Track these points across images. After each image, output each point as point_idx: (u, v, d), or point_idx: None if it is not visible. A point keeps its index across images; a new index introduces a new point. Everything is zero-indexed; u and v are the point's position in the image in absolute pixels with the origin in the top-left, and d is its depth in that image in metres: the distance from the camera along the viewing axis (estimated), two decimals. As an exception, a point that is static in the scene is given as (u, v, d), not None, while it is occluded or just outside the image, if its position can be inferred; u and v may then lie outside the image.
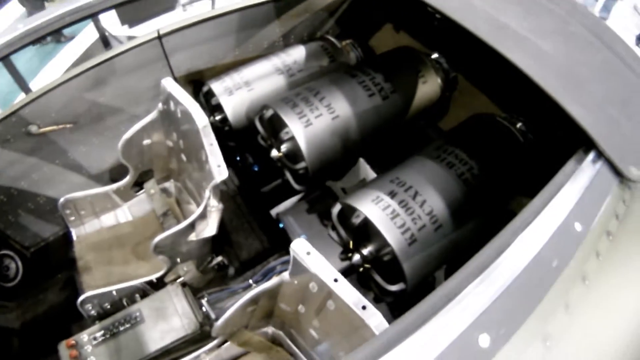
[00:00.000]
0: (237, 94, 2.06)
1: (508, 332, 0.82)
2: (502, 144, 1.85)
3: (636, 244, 1.17)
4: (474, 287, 0.85)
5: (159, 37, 2.10)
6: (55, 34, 5.42)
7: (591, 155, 1.18)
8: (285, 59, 2.21)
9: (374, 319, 1.14)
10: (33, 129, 1.92)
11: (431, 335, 0.77)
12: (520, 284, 0.88)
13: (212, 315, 1.92)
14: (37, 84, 2.10)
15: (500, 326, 0.81)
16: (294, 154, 1.82)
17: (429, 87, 2.09)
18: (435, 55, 2.21)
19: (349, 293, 1.21)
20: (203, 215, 1.74)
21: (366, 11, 2.63)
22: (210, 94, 2.10)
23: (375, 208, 1.54)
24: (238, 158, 2.46)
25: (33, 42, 1.75)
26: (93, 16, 1.95)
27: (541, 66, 1.29)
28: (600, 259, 1.03)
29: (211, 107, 2.13)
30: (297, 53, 2.26)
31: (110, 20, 5.07)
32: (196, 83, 2.33)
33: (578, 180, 1.12)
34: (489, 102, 2.21)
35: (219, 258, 2.16)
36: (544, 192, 1.07)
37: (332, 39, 2.38)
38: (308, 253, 1.28)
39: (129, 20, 4.71)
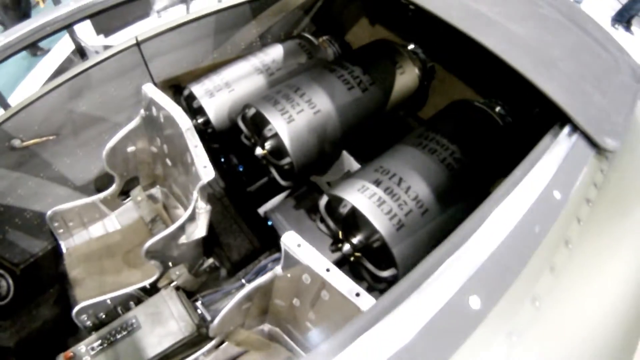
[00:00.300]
0: (218, 96, 2.09)
1: (497, 293, 0.87)
2: (481, 128, 1.92)
3: (615, 210, 1.25)
4: (460, 254, 0.90)
5: (138, 44, 2.13)
6: (31, 48, 5.39)
7: (567, 129, 1.25)
8: (263, 59, 2.25)
9: (369, 305, 1.19)
10: (16, 143, 1.93)
11: (422, 302, 0.82)
12: (505, 249, 0.93)
13: (208, 317, 1.96)
14: (15, 99, 2.10)
15: (489, 288, 0.86)
16: (279, 150, 1.86)
17: (407, 77, 2.15)
18: (411, 46, 2.27)
19: (341, 281, 1.26)
20: (192, 218, 1.77)
21: (341, 7, 2.68)
22: (191, 97, 2.13)
23: (361, 197, 1.59)
24: (222, 160, 2.50)
25: (9, 56, 1.76)
26: (70, 26, 1.96)
27: (513, 48, 1.35)
28: (581, 224, 1.09)
29: (193, 110, 2.16)
30: (275, 52, 2.30)
31: (85, 31, 5.06)
32: (177, 88, 2.36)
33: (555, 152, 1.18)
34: (467, 89, 2.28)
35: (210, 260, 2.20)
36: (522, 164, 1.13)
37: (309, 37, 2.43)
38: (299, 245, 1.32)
39: (104, 29, 4.70)
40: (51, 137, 2.05)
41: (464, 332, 0.79)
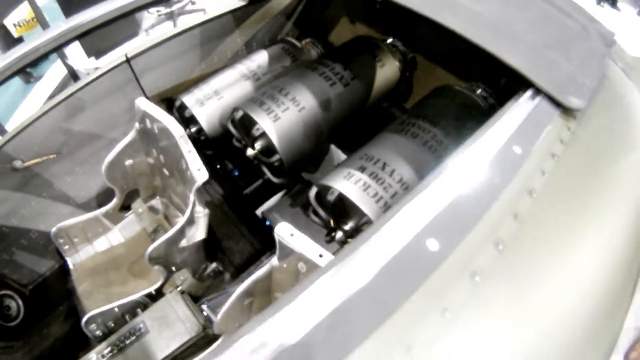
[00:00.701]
0: (208, 104, 2.22)
1: (456, 237, 0.95)
2: (462, 111, 2.02)
3: (583, 164, 1.33)
4: (419, 202, 0.99)
5: (127, 61, 2.26)
6: (24, 75, 5.57)
7: (529, 92, 1.34)
8: (249, 65, 2.38)
9: None
10: (17, 164, 2.05)
11: (381, 245, 0.90)
12: (464, 198, 1.02)
13: (214, 318, 2.05)
14: (13, 126, 2.23)
15: (447, 232, 0.95)
16: (268, 149, 1.97)
17: (387, 69, 2.27)
18: (390, 40, 2.40)
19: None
20: (191, 221, 1.89)
21: (321, 9, 2.81)
22: (182, 107, 2.25)
23: (347, 183, 1.70)
24: (218, 166, 2.61)
25: (4, 81, 1.87)
26: (61, 48, 2.06)
27: (475, 26, 1.46)
28: (545, 176, 1.18)
29: (185, 119, 2.29)
30: (260, 58, 2.43)
31: (76, 55, 5.22)
32: (169, 100, 2.48)
33: (516, 112, 1.28)
34: (450, 76, 2.39)
35: (214, 265, 2.31)
36: (485, 125, 1.22)
37: (292, 40, 2.55)
38: (291, 235, 1.42)
39: (95, 51, 4.87)
40: (51, 156, 2.18)
41: (422, 273, 0.88)
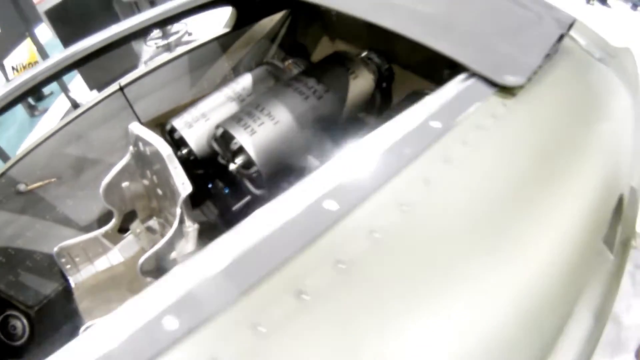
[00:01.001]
0: (196, 126, 2.42)
1: (357, 199, 0.99)
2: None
3: (519, 136, 1.27)
4: (324, 169, 1.06)
5: (121, 89, 2.48)
6: (28, 109, 5.89)
7: (462, 76, 1.36)
8: (235, 88, 2.59)
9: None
10: (21, 187, 2.26)
11: (283, 206, 0.98)
12: (371, 164, 1.07)
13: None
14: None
15: (347, 194, 1.00)
16: (247, 162, 2.16)
17: (360, 81, 2.45)
18: (365, 53, 2.60)
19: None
20: (180, 234, 2.06)
21: (303, 31, 3.03)
22: (172, 130, 2.46)
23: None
24: (210, 186, 2.80)
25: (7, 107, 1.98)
26: (60, 76, 2.16)
27: (412, 23, 1.55)
28: (468, 146, 1.15)
29: (176, 142, 2.49)
30: (245, 80, 2.63)
31: (78, 88, 5.53)
32: (163, 126, 2.70)
33: (442, 93, 1.30)
34: (423, 81, 2.53)
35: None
36: (410, 108, 1.25)
37: (275, 62, 2.76)
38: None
39: (97, 85, 5.17)
40: (53, 180, 2.39)
41: (321, 229, 0.93)
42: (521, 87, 1.32)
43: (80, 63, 2.14)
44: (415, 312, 0.87)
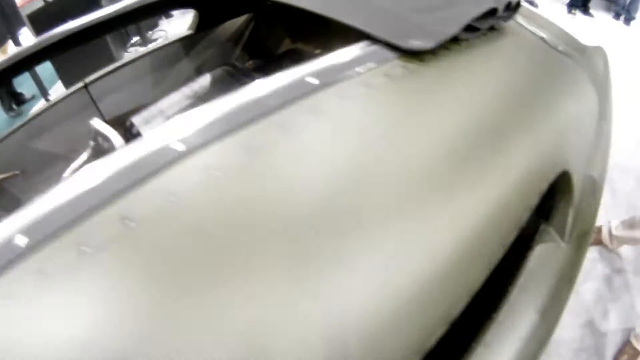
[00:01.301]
0: (153, 122, 2.58)
1: (205, 140, 1.00)
2: None
3: (417, 99, 1.23)
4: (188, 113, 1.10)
5: (85, 86, 2.65)
6: (8, 111, 6.04)
7: (363, 43, 1.34)
8: (193, 87, 2.75)
9: None
10: (-17, 179, 2.42)
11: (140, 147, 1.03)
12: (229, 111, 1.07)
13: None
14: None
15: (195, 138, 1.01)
16: None
17: None
18: (318, 51, 2.75)
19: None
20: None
21: (266, 33, 3.19)
22: (131, 126, 2.62)
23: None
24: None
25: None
26: (32, 65, 2.25)
27: (330, 5, 1.58)
28: (346, 101, 1.14)
29: (134, 137, 2.64)
30: (204, 80, 2.79)
31: (58, 92, 5.68)
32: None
33: (332, 55, 1.27)
34: None
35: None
36: None
37: (235, 63, 2.93)
38: None
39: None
40: (17, 172, 2.54)
41: (160, 166, 0.95)
42: (432, 53, 1.29)
43: (55, 53, 2.25)
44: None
